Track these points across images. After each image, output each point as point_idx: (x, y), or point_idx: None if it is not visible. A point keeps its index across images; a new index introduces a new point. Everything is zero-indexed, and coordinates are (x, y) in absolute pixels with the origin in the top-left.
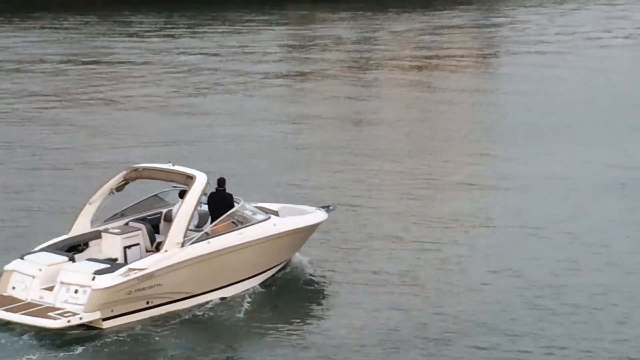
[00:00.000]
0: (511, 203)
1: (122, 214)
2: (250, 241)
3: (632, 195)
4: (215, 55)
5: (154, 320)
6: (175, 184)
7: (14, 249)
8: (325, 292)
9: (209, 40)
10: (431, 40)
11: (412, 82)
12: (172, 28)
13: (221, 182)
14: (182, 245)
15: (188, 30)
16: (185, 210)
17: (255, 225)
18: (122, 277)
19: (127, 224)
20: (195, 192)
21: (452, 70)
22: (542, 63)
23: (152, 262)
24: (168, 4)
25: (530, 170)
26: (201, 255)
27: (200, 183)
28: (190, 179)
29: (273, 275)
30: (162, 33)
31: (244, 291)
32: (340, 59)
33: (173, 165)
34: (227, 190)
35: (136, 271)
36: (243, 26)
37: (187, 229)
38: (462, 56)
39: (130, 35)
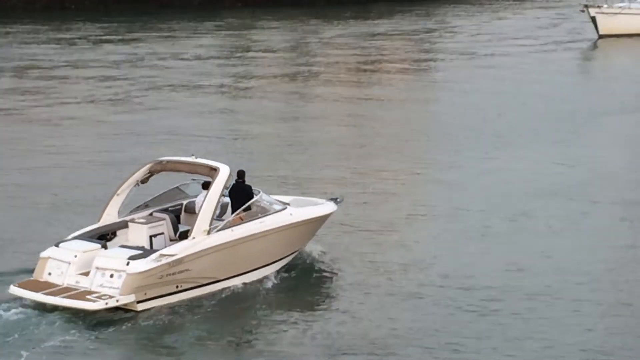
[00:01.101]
0: (449, 207)
1: (146, 205)
2: (270, 229)
3: (572, 199)
4: (147, 61)
5: (182, 303)
6: (194, 177)
7: (46, 238)
8: (335, 279)
9: (143, 47)
10: (370, 46)
11: (348, 87)
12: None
13: (241, 174)
14: (209, 232)
15: (122, 37)
16: (210, 200)
17: (273, 215)
18: (154, 262)
19: (151, 214)
20: (220, 183)
21: (390, 76)
22: (478, 69)
23: (181, 249)
24: (105, 12)
25: (470, 175)
26: (225, 243)
27: (224, 174)
28: (214, 170)
29: (287, 263)
30: (95, 40)
31: (263, 278)
32: (277, 65)
33: (196, 158)
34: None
35: (167, 257)
36: (178, 33)
37: (213, 218)
38: (400, 63)
39: (67, 41)
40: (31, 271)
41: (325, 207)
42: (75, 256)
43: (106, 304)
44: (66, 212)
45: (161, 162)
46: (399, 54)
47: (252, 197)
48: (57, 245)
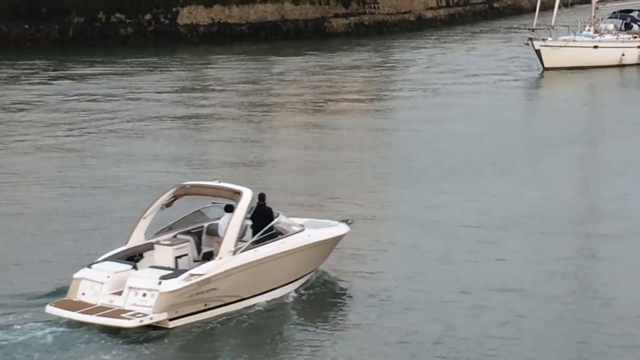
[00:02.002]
0: (404, 240)
1: (169, 228)
2: (290, 250)
3: (524, 230)
4: (104, 97)
5: (210, 321)
6: (214, 200)
7: (74, 260)
8: (350, 297)
9: (100, 83)
10: (325, 80)
11: (304, 122)
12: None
13: (262, 197)
14: (234, 253)
15: (77, 73)
16: (236, 222)
17: (293, 236)
18: (185, 281)
19: (175, 236)
20: (244, 206)
21: (344, 110)
22: (429, 102)
23: (209, 268)
24: (61, 49)
25: (421, 208)
26: (250, 262)
27: (247, 198)
28: (237, 194)
29: (305, 282)
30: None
31: (283, 296)
32: (233, 100)
33: (219, 182)
34: None
35: (196, 276)
36: (135, 69)
37: (238, 239)
38: (354, 96)
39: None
40: (63, 292)
41: (339, 229)
42: (108, 277)
43: (141, 321)
44: (92, 235)
45: (185, 186)
46: (354, 86)
47: (273, 219)
48: (89, 267)
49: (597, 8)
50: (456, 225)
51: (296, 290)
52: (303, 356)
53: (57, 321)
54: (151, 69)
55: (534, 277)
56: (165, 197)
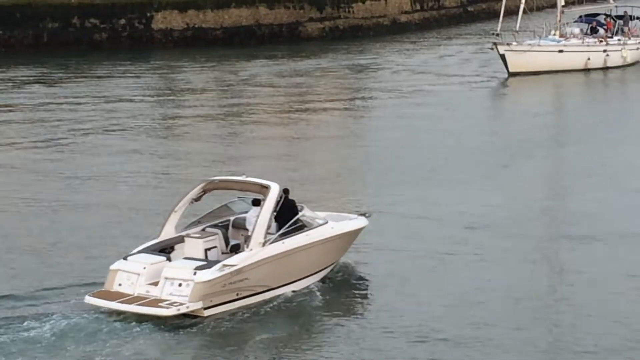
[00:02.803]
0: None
1: (198, 222)
2: (315, 241)
3: (501, 233)
4: (74, 102)
5: (241, 310)
6: (240, 195)
7: (107, 252)
8: (371, 287)
9: (72, 88)
10: (299, 83)
11: (277, 123)
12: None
13: (286, 191)
14: (264, 244)
15: (53, 79)
16: (265, 215)
17: (317, 228)
18: (218, 271)
19: (204, 229)
20: (272, 199)
21: (317, 110)
22: (398, 106)
23: (241, 259)
24: (36, 54)
25: (402, 210)
26: (278, 254)
27: (275, 191)
28: (265, 188)
29: (328, 273)
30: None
31: (308, 286)
32: (208, 102)
33: (247, 177)
34: None
35: (229, 267)
36: (108, 74)
37: (267, 231)
38: (326, 98)
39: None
40: (98, 283)
41: (359, 222)
42: (144, 268)
43: (178, 310)
44: (119, 229)
45: (213, 181)
46: (326, 89)
47: (297, 212)
48: (125, 259)
49: (562, 12)
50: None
51: (320, 280)
52: (329, 344)
53: (96, 310)
54: (125, 73)
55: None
56: (194, 192)
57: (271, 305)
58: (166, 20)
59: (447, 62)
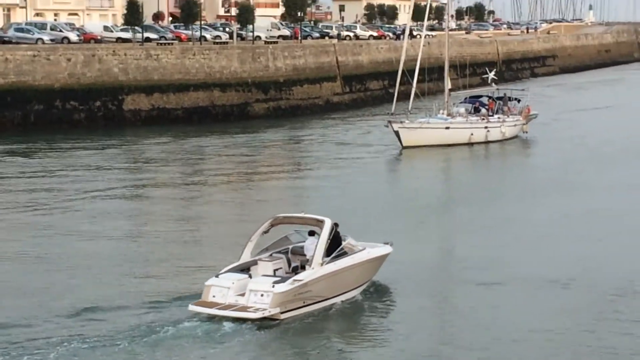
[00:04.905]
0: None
1: (266, 249)
2: (357, 263)
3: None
4: (62, 172)
5: (307, 315)
6: (296, 228)
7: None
8: (398, 296)
9: (43, 161)
10: (248, 153)
11: (231, 189)
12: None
13: (336, 225)
14: (322, 264)
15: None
16: (322, 242)
17: (358, 253)
18: (291, 285)
19: (271, 255)
20: (327, 230)
21: (263, 178)
22: (326, 170)
23: (306, 275)
24: (24, 132)
25: None
26: (332, 271)
27: (329, 224)
28: (320, 222)
29: (364, 289)
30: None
31: (353, 297)
32: (173, 172)
33: (305, 213)
34: None
35: (298, 281)
36: (82, 149)
37: (324, 254)
38: (268, 165)
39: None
40: (194, 296)
41: (386, 249)
42: (233, 283)
43: (262, 314)
44: (208, 252)
45: (279, 217)
46: (270, 158)
47: (342, 241)
48: (217, 276)
49: (449, 95)
50: None
51: (360, 293)
52: (374, 341)
53: (195, 316)
54: (102, 147)
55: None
56: (264, 226)
57: (328, 311)
58: (135, 102)
59: (363, 135)
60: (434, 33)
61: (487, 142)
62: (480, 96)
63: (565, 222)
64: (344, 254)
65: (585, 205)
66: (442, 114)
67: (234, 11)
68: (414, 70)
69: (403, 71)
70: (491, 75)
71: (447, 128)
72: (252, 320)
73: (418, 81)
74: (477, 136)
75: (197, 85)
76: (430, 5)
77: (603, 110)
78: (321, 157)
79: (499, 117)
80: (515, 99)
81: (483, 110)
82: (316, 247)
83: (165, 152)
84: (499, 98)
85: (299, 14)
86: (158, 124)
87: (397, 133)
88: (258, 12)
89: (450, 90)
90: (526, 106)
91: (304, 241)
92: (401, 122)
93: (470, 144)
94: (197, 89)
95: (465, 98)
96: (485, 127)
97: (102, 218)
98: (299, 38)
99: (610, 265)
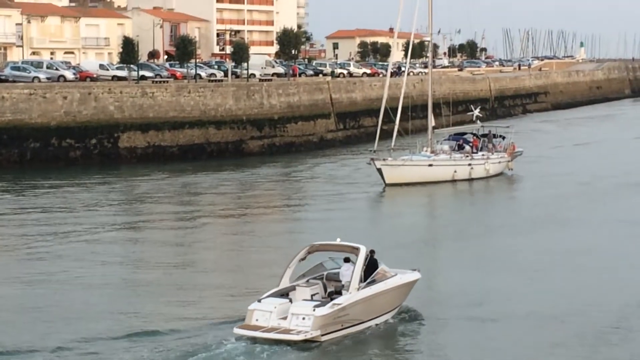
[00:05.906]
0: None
1: (302, 275)
2: (390, 288)
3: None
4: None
5: (345, 337)
6: (331, 255)
7: (246, 297)
8: (430, 319)
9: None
10: (243, 190)
11: (225, 224)
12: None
13: (372, 252)
14: (358, 289)
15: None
16: (358, 269)
17: (391, 279)
18: (330, 308)
19: (307, 280)
20: (362, 257)
21: (258, 214)
22: (317, 205)
23: (344, 300)
24: (20, 170)
25: None
26: (368, 296)
27: (364, 251)
28: (356, 249)
29: (396, 312)
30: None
31: (386, 320)
32: (168, 209)
33: (341, 241)
34: None
35: (337, 305)
36: (76, 186)
37: (360, 279)
38: (264, 201)
39: None
40: (236, 319)
41: (415, 275)
42: (275, 307)
43: (305, 336)
44: (248, 280)
45: (315, 245)
46: (264, 195)
47: (378, 267)
48: (259, 301)
49: (433, 132)
50: None
51: (393, 317)
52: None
53: (240, 338)
54: (97, 184)
55: None
56: (301, 254)
57: (364, 333)
58: (130, 139)
59: (353, 172)
60: (426, 70)
61: (470, 180)
62: (465, 133)
63: (548, 258)
64: (377, 280)
65: (570, 241)
66: (426, 151)
67: (228, 49)
68: (403, 107)
69: (386, 109)
70: (476, 112)
71: (430, 165)
72: (295, 342)
73: (404, 119)
74: (461, 173)
75: (192, 123)
76: (424, 43)
77: (591, 145)
78: (311, 193)
79: (483, 155)
80: (500, 136)
81: (467, 148)
82: (352, 272)
83: (159, 190)
84: (484, 135)
85: (293, 51)
86: (154, 161)
87: (379, 170)
88: (252, 50)
89: (434, 127)
90: (511, 143)
91: (338, 268)
92: (384, 160)
93: (453, 181)
94: (192, 127)
95: (450, 135)
96: (469, 165)
97: (143, 247)
98: (296, 75)
99: (603, 300)
